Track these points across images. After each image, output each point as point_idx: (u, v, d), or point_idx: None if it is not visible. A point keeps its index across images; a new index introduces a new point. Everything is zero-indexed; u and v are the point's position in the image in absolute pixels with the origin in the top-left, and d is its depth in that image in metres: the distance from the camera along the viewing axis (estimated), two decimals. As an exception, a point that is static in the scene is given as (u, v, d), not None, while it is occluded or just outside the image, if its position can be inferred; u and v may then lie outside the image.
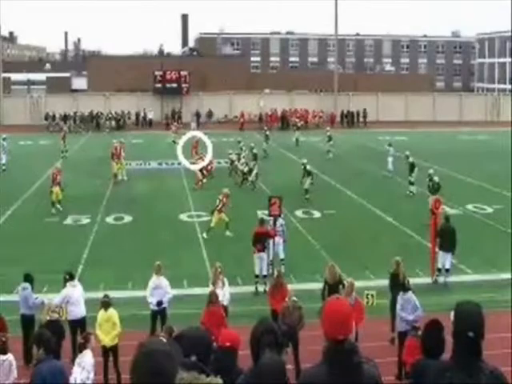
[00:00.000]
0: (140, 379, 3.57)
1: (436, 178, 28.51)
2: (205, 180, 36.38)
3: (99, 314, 14.64)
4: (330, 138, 48.59)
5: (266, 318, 6.32)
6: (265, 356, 5.50)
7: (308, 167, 33.36)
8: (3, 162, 42.39)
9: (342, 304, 4.62)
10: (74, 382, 12.47)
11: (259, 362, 5.41)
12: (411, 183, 33.85)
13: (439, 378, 4.84)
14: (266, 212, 22.44)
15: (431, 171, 29.94)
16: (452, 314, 4.93)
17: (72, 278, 16.10)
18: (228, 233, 25.85)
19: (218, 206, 26.02)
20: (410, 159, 34.25)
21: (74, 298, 15.57)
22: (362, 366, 4.43)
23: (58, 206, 30.23)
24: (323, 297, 16.13)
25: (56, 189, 30.29)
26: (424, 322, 8.68)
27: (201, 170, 36.79)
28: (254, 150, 39.12)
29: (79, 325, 15.30)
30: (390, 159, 40.46)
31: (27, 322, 15.42)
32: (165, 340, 3.71)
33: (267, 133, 49.83)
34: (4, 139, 43.53)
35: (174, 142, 54.99)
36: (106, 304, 14.60)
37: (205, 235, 25.78)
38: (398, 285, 16.08)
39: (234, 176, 37.87)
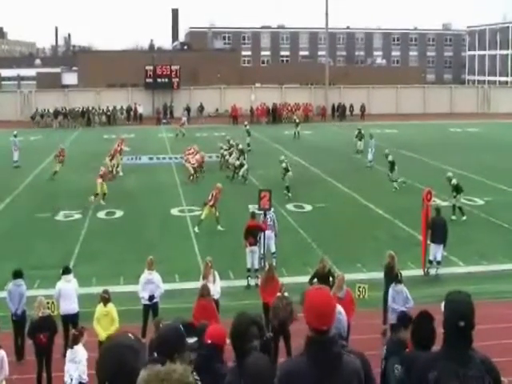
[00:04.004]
0: (103, 371, 3.59)
1: (454, 181, 27.50)
2: (197, 175, 36.34)
3: (98, 309, 14.67)
4: (361, 136, 46.13)
5: (244, 311, 6.32)
6: (255, 354, 5.50)
7: (284, 165, 32.75)
8: (15, 158, 41.74)
9: (324, 294, 4.57)
10: (70, 380, 12.42)
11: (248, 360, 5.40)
12: (393, 181, 33.09)
13: (430, 367, 4.85)
14: (257, 206, 22.43)
15: (450, 174, 28.74)
16: (442, 304, 4.93)
17: (66, 272, 16.03)
18: (220, 227, 25.82)
19: (209, 199, 25.97)
20: (390, 158, 33.80)
21: (67, 293, 15.53)
22: (342, 357, 4.42)
23: (100, 200, 30.62)
24: (311, 285, 16.26)
25: (100, 181, 30.92)
26: (414, 314, 8.67)
27: (192, 165, 36.79)
28: (240, 146, 38.98)
29: (71, 320, 15.27)
30: (370, 150, 40.56)
31: (19, 318, 15.37)
32: (132, 336, 3.72)
33: (247, 127, 49.58)
34: (16, 136, 42.74)
35: (183, 134, 55.40)
36: (105, 299, 14.61)
37: (196, 229, 25.76)
38: (392, 278, 16.12)
39: (225, 170, 37.87)
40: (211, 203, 25.86)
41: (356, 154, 45.11)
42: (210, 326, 7.07)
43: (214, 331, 6.62)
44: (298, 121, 57.51)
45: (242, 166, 36.15)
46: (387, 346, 9.69)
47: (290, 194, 31.35)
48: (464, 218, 26.90)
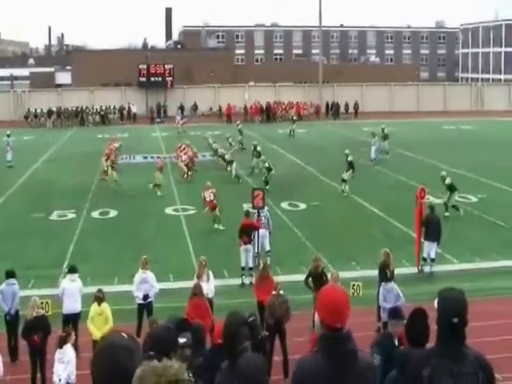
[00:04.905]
0: (99, 372, 3.59)
1: (448, 180, 27.45)
2: (190, 172, 36.28)
3: (92, 308, 14.69)
4: (385, 137, 43.89)
5: (236, 311, 6.30)
6: (247, 354, 5.50)
7: (267, 164, 33.31)
8: (9, 158, 41.46)
9: (339, 292, 4.62)
10: (59, 380, 12.40)
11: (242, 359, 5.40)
12: (344, 180, 32.13)
13: (423, 365, 4.85)
14: (251, 204, 22.42)
15: (444, 173, 28.56)
16: (436, 301, 4.93)
17: (72, 271, 16.03)
18: (216, 225, 25.76)
19: (212, 199, 25.81)
20: (349, 158, 33.35)
21: (70, 292, 15.55)
22: (356, 353, 4.45)
23: (158, 191, 32.21)
24: (307, 284, 16.27)
25: (157, 173, 32.86)
26: (408, 311, 8.68)
27: (184, 161, 36.74)
28: (258, 148, 38.42)
29: (72, 319, 15.26)
30: (374, 148, 40.62)
31: (12, 318, 15.33)
32: (126, 335, 3.72)
33: (239, 127, 49.53)
34: (9, 136, 42.58)
35: (178, 132, 56.03)
36: (99, 299, 14.62)
37: (221, 227, 25.61)
38: (387, 275, 16.14)
39: (218, 167, 37.79)
40: (215, 202, 25.83)
41: (385, 155, 42.94)
42: (216, 325, 7.05)
43: (220, 331, 6.60)
44: (294, 118, 57.48)
45: (231, 162, 36.09)
46: (376, 336, 9.84)
47: (267, 187, 31.38)
48: (461, 212, 26.89)
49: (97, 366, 3.63)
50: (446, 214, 26.56)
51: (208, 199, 25.92)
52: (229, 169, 35.97)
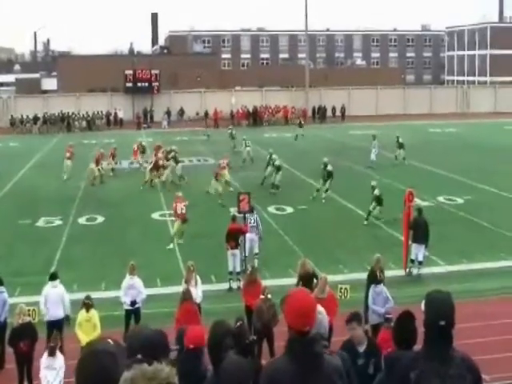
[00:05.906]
0: (83, 378, 3.56)
1: (377, 191, 26.86)
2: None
3: (80, 315, 14.63)
4: (401, 145, 42.77)
5: (221, 320, 6.28)
6: (230, 358, 5.48)
7: (277, 163, 33.63)
8: None
9: (306, 295, 4.66)
10: None
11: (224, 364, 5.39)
12: (324, 190, 31.52)
13: (411, 367, 4.84)
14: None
15: (374, 183, 27.99)
16: (423, 303, 4.93)
17: (53, 278, 15.94)
18: (176, 241, 24.92)
19: (184, 212, 25.28)
20: (329, 167, 31.92)
21: (53, 299, 15.47)
22: (323, 356, 4.46)
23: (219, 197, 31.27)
24: None
25: (225, 172, 33.29)
26: (396, 314, 8.69)
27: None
28: (274, 156, 37.55)
29: (56, 326, 15.17)
30: (373, 151, 40.62)
31: (1, 325, 15.21)
32: (111, 341, 3.68)
33: (231, 131, 49.37)
34: None
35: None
36: (88, 305, 14.57)
37: (181, 241, 25.17)
38: (377, 278, 16.16)
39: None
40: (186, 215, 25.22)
41: (395, 161, 42.46)
42: (188, 329, 6.98)
43: (193, 335, 6.55)
44: (302, 122, 57.60)
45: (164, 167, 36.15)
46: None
47: (274, 191, 31.21)
48: (365, 222, 26.69)
49: (81, 371, 3.60)
50: (365, 222, 26.50)
51: (179, 212, 24.92)
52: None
